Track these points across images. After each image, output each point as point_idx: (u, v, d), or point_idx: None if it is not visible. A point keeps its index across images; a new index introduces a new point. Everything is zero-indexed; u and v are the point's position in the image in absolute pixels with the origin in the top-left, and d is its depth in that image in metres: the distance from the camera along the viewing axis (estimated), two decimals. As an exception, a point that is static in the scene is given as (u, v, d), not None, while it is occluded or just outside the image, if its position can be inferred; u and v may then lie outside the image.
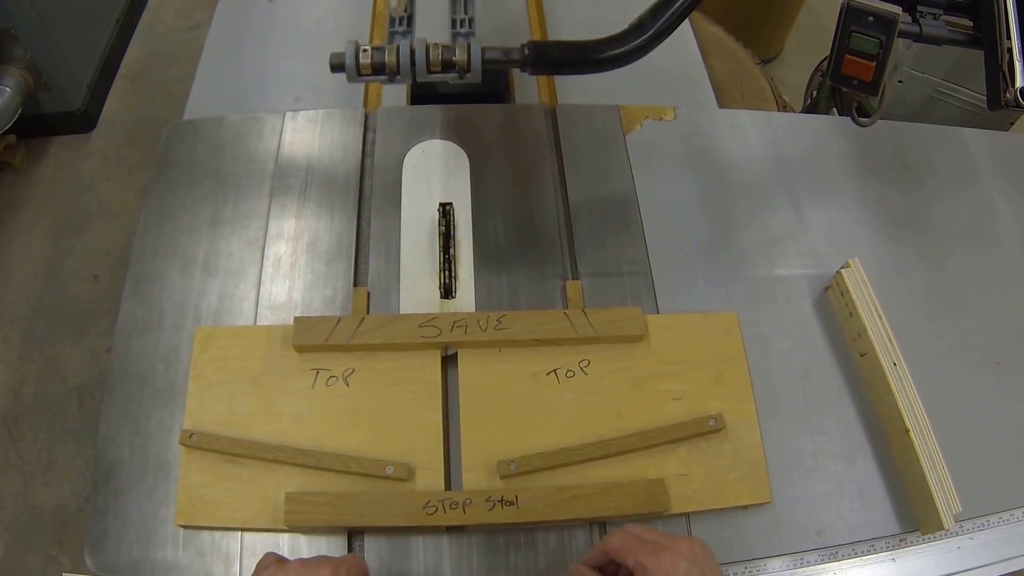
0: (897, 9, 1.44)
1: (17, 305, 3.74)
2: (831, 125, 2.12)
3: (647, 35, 1.46)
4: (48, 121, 4.30)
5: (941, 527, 1.45)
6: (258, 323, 1.64)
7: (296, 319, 1.56)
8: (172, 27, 5.10)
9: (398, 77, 1.41)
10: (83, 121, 4.39)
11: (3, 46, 3.86)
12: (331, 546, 1.42)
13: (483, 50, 1.42)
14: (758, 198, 1.94)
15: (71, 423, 3.39)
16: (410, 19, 1.48)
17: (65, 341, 3.63)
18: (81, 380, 3.51)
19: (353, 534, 1.44)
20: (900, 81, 3.45)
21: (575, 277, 1.74)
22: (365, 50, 1.39)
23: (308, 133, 1.93)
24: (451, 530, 1.44)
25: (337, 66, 1.41)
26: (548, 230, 1.81)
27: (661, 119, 2.04)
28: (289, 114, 1.97)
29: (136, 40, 4.97)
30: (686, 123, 2.06)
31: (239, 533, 1.43)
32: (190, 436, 1.45)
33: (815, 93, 3.18)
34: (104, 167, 4.29)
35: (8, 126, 3.86)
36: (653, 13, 1.47)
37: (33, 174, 4.23)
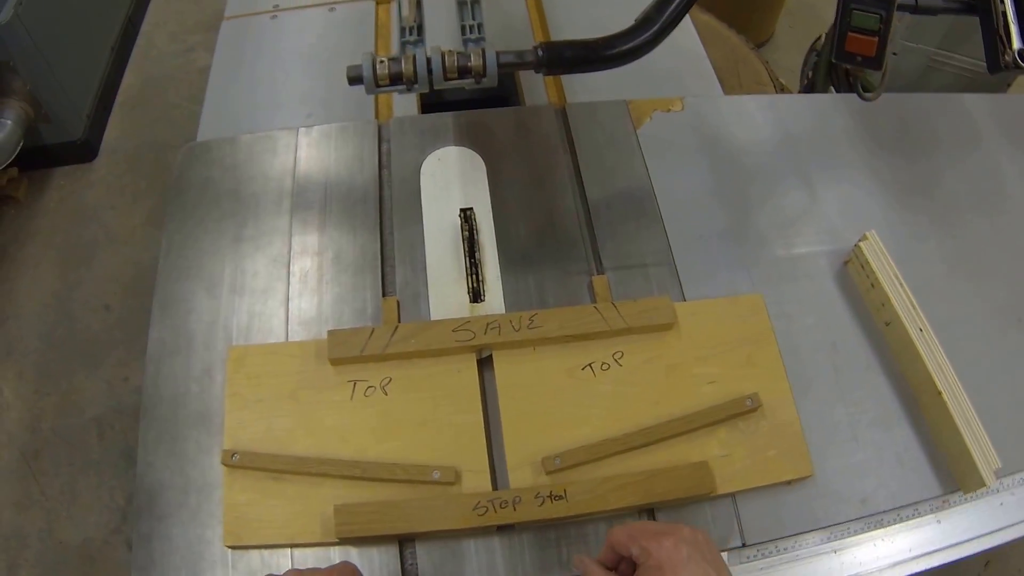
0: (894, -17, 1.46)
1: (29, 339, 3.73)
2: (834, 103, 2.14)
3: (655, 28, 1.47)
4: (50, 152, 4.30)
5: (982, 484, 1.47)
6: (290, 339, 1.64)
7: (330, 332, 1.57)
8: (166, 51, 5.10)
9: (416, 86, 1.43)
10: (84, 150, 4.39)
11: (2, 79, 3.87)
12: (382, 555, 1.43)
13: (497, 54, 1.44)
14: (771, 180, 1.96)
15: (92, 455, 3.37)
16: (420, 28, 1.49)
17: (80, 373, 3.62)
18: (99, 411, 3.49)
19: (404, 542, 1.45)
20: (895, 54, 3.47)
21: (600, 271, 1.75)
22: (382, 61, 1.40)
23: (323, 148, 1.94)
24: (501, 530, 1.45)
25: (355, 78, 1.41)
26: (569, 227, 1.83)
27: (669, 110, 2.06)
28: (303, 130, 1.98)
29: (132, 66, 4.98)
30: (694, 113, 2.07)
31: (288, 550, 1.44)
32: (232, 455, 1.45)
33: (811, 73, 3.20)
34: (108, 195, 4.28)
35: (10, 159, 3.86)
36: (658, 7, 1.49)
37: (37, 206, 4.23)
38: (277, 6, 2.49)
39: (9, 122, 3.85)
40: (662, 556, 1.10)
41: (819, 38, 3.09)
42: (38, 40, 3.85)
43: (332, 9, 2.47)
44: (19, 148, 3.90)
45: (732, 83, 2.97)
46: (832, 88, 1.90)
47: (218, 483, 1.47)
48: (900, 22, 3.35)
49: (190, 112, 4.62)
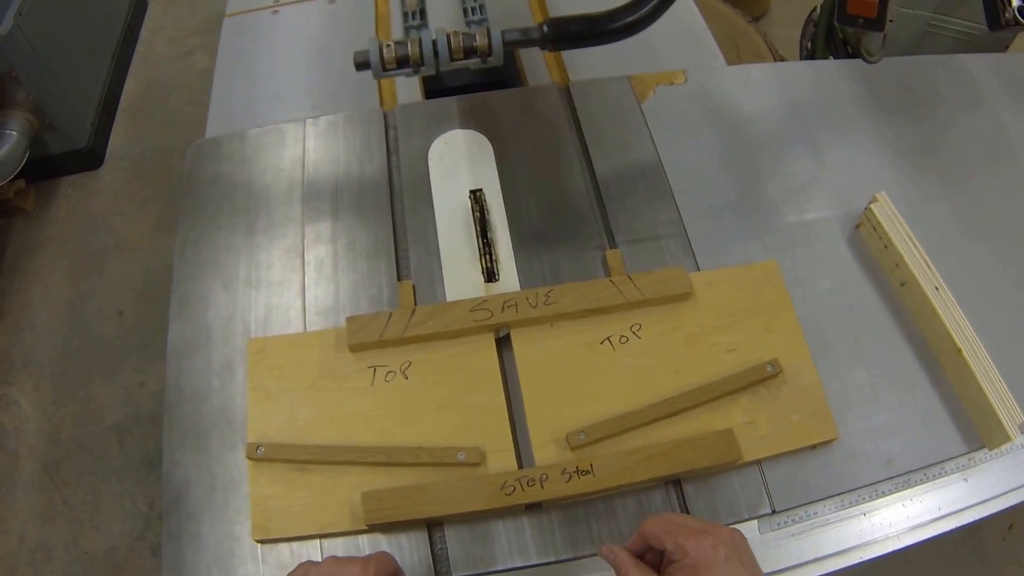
0: (892, -57, 1.47)
1: (45, 350, 3.74)
2: (837, 68, 2.15)
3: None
4: (56, 162, 4.31)
5: (1007, 439, 1.47)
6: (308, 329, 1.65)
7: (348, 319, 1.58)
8: (166, 56, 5.11)
9: (422, 68, 1.44)
10: (90, 158, 4.40)
11: (5, 90, 3.88)
12: (411, 541, 1.43)
13: (503, 32, 1.44)
14: (778, 148, 1.96)
15: (113, 462, 3.37)
16: (423, 12, 1.50)
17: (97, 381, 3.62)
18: (118, 418, 3.49)
19: (432, 527, 1.45)
20: (891, 20, 3.46)
21: (613, 246, 1.76)
22: (388, 45, 1.41)
23: (331, 137, 1.95)
24: (529, 509, 1.45)
25: (362, 64, 1.43)
26: (580, 204, 1.83)
27: (672, 84, 2.07)
28: (310, 121, 1.99)
29: (133, 73, 4.99)
30: (697, 84, 2.08)
31: (317, 540, 1.44)
32: (256, 448, 1.46)
33: (810, 44, 3.20)
34: (116, 203, 4.29)
35: (17, 170, 3.87)
36: (659, -22, 1.50)
37: (46, 216, 4.24)
38: (278, 0, 2.50)
39: (14, 133, 3.85)
40: (699, 556, 1.10)
41: (815, 9, 3.09)
42: (39, 50, 3.86)
43: (332, 1, 2.48)
44: (25, 159, 3.90)
45: (732, 57, 2.97)
46: (831, 57, 1.90)
47: (244, 478, 1.48)
48: (894, -14, 3.35)
49: (193, 116, 4.65)
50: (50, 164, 4.29)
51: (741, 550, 1.12)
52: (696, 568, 1.08)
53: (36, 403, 3.55)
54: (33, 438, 3.44)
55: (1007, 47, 3.40)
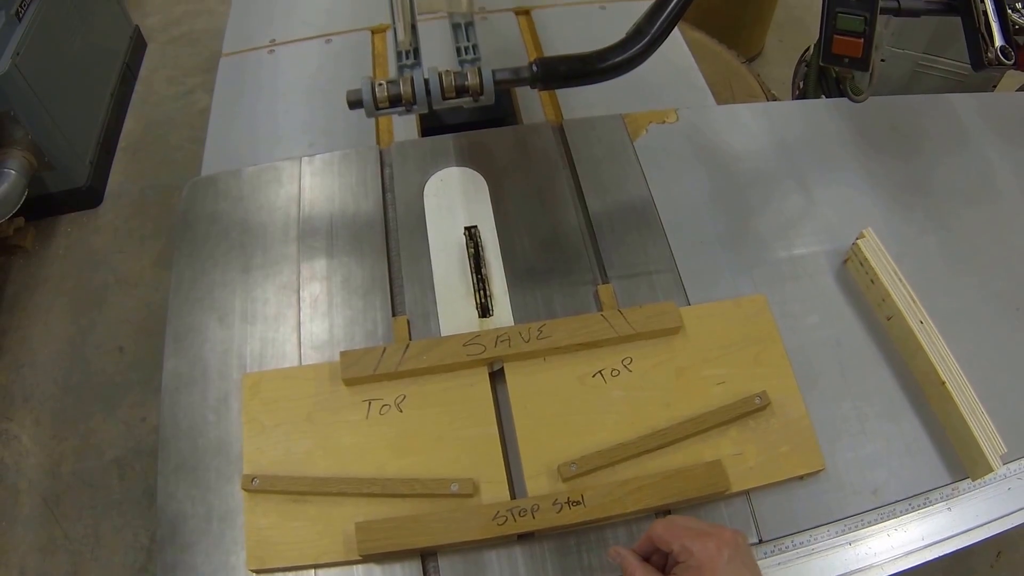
0: (876, -15, 1.50)
1: (45, 385, 3.75)
2: (825, 107, 2.18)
3: (646, 39, 1.50)
4: (55, 200, 4.34)
5: (989, 469, 1.50)
6: (303, 363, 1.67)
7: (342, 353, 1.60)
8: (165, 95, 5.15)
9: (415, 107, 1.46)
10: (89, 196, 4.43)
11: (4, 129, 3.91)
12: (405, 571, 1.45)
13: (493, 71, 1.47)
14: (768, 185, 1.99)
15: (114, 496, 3.38)
16: (416, 51, 1.52)
17: (98, 416, 3.63)
18: (119, 452, 3.50)
19: (426, 557, 1.46)
20: (883, 60, 3.50)
21: (605, 281, 1.78)
22: (380, 84, 1.43)
23: (327, 175, 1.98)
24: (522, 539, 1.47)
25: (355, 102, 1.44)
26: (573, 240, 1.86)
27: (664, 122, 2.10)
28: (306, 159, 2.01)
29: (132, 111, 5.02)
30: (689, 123, 2.11)
31: (312, 571, 1.45)
32: (252, 480, 1.48)
33: (802, 84, 3.22)
34: (115, 240, 4.32)
35: (16, 209, 3.89)
36: (649, 17, 1.52)
37: (46, 254, 4.26)
38: (274, 40, 2.53)
39: (13, 172, 3.88)
40: (703, 557, 1.12)
41: (808, 49, 3.12)
42: (38, 89, 3.90)
43: (328, 41, 2.51)
44: (24, 197, 3.92)
45: (725, 96, 3.00)
46: (823, 96, 1.93)
47: (239, 509, 1.49)
48: (886, 28, 3.38)
49: (192, 154, 4.66)
50: (49, 202, 4.32)
51: (744, 552, 1.14)
52: (701, 569, 1.11)
53: (36, 438, 3.56)
54: (33, 472, 3.45)
55: (994, 86, 3.43)
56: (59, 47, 4.24)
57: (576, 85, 1.56)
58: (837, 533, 1.51)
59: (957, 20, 1.63)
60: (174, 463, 1.56)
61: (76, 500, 3.37)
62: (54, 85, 4.09)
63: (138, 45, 5.36)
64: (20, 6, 3.87)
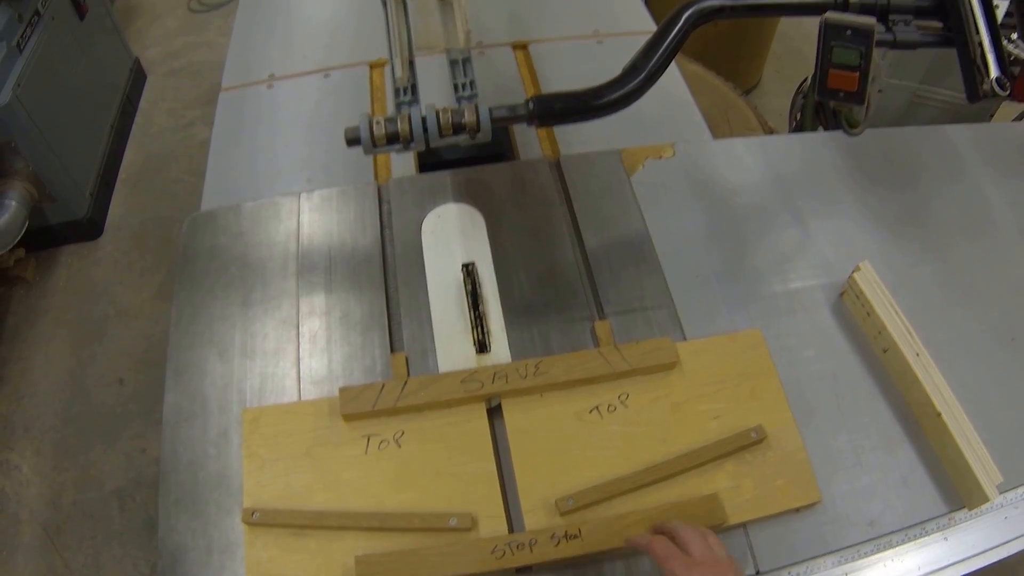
0: (872, 20, 1.51)
1: (46, 416, 3.75)
2: (821, 140, 2.19)
3: (642, 76, 1.52)
4: (55, 231, 4.36)
5: (985, 499, 1.51)
6: (303, 398, 1.67)
7: (341, 389, 1.61)
8: (165, 128, 5.17)
9: (412, 144, 1.47)
10: (89, 228, 4.44)
11: (4, 160, 3.92)
12: (404, 605, 1.45)
13: (491, 109, 1.48)
14: (764, 219, 2.01)
15: (114, 527, 3.37)
16: (414, 88, 1.53)
17: (98, 447, 3.62)
18: (119, 484, 3.49)
19: (425, 590, 1.47)
20: (880, 91, 3.51)
21: (602, 317, 1.79)
22: (378, 122, 1.44)
23: (325, 211, 1.99)
24: (520, 572, 1.47)
25: (353, 140, 1.45)
26: (569, 276, 1.87)
27: (661, 157, 2.11)
28: (304, 195, 2.02)
29: (132, 144, 5.04)
30: (685, 158, 2.13)
31: (312, 603, 1.45)
32: (252, 514, 1.49)
33: (799, 115, 3.23)
34: (116, 272, 4.33)
35: (17, 240, 3.91)
36: (645, 54, 1.53)
37: (46, 286, 4.27)
38: (273, 75, 2.54)
39: (13, 203, 3.89)
40: None
41: (804, 80, 3.13)
42: (38, 120, 3.91)
43: (327, 75, 2.53)
44: (25, 228, 3.94)
45: (722, 129, 3.01)
46: (821, 128, 1.93)
47: (240, 542, 1.50)
48: (883, 59, 3.40)
49: (192, 186, 4.67)
50: (50, 234, 4.33)
51: None
52: None
53: (37, 468, 3.55)
54: (34, 502, 3.44)
55: (991, 116, 3.44)
56: (60, 79, 4.26)
57: (572, 122, 1.57)
58: (834, 564, 1.52)
59: (953, 51, 1.64)
60: (175, 496, 1.57)
61: (77, 530, 3.36)
62: (55, 116, 4.11)
63: (138, 77, 5.39)
64: (21, 37, 3.89)
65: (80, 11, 4.54)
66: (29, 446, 3.63)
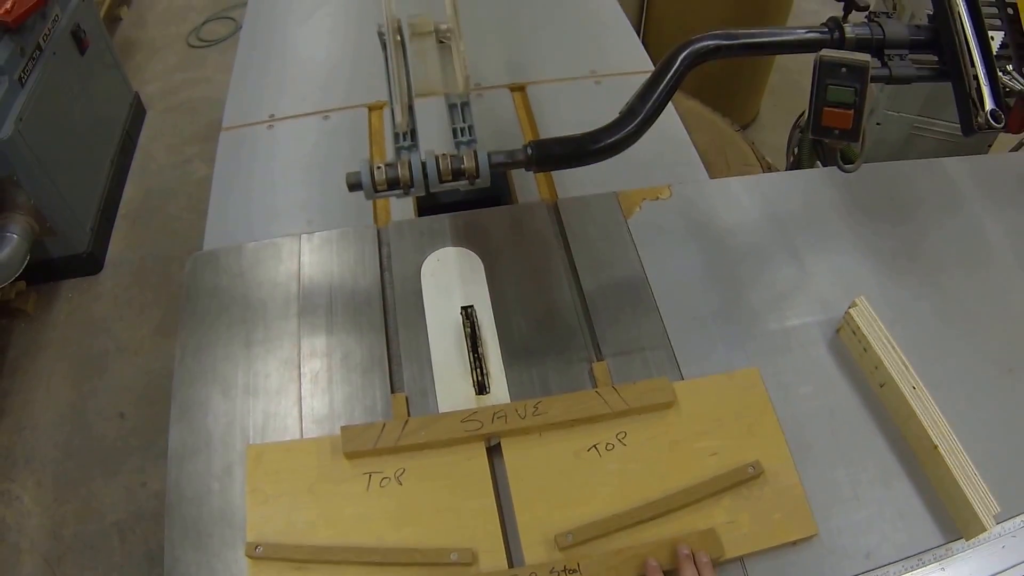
0: (867, 57, 1.52)
1: (47, 449, 3.77)
2: (818, 177, 2.22)
3: (639, 119, 1.54)
4: (56, 265, 4.39)
5: (983, 529, 1.52)
6: (305, 436, 1.69)
7: (343, 428, 1.62)
8: (164, 164, 5.20)
9: (412, 189, 1.49)
10: (90, 263, 4.47)
11: (6, 193, 3.95)
12: (405, 640, 1.46)
13: (489, 154, 1.50)
14: (761, 258, 2.03)
15: (115, 559, 3.39)
16: (414, 133, 1.54)
17: (98, 480, 3.65)
18: (120, 516, 3.52)
19: (426, 625, 1.48)
20: (878, 123, 3.53)
21: (600, 358, 1.81)
22: (379, 167, 1.46)
23: (326, 253, 2.01)
24: (519, 607, 1.48)
25: (354, 185, 1.47)
26: (567, 318, 1.89)
27: (658, 198, 2.14)
28: (305, 236, 2.04)
29: (132, 179, 5.08)
30: (682, 199, 2.15)
31: (315, 638, 1.47)
32: (255, 548, 1.50)
33: (796, 150, 3.24)
34: (116, 307, 4.35)
35: (18, 273, 3.93)
36: (641, 97, 1.55)
37: (47, 319, 4.30)
38: (273, 116, 2.57)
39: (15, 236, 3.92)
40: None
41: (802, 115, 3.15)
42: (40, 154, 3.94)
43: (326, 117, 2.55)
44: (26, 262, 3.97)
45: (720, 165, 3.03)
46: (819, 163, 1.95)
47: (243, 575, 1.51)
48: (881, 92, 3.42)
49: (191, 224, 4.72)
50: (51, 267, 4.36)
51: None
52: None
53: (38, 499, 3.58)
54: (35, 533, 3.47)
55: (989, 146, 3.46)
56: (61, 113, 4.29)
57: (570, 167, 1.59)
58: (833, 597, 1.53)
59: (948, 85, 1.66)
60: (180, 529, 1.58)
61: (77, 561, 3.39)
62: (56, 151, 4.14)
63: (138, 112, 5.43)
64: (23, 71, 3.92)
65: (81, 46, 4.57)
66: (30, 477, 3.65)
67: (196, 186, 4.96)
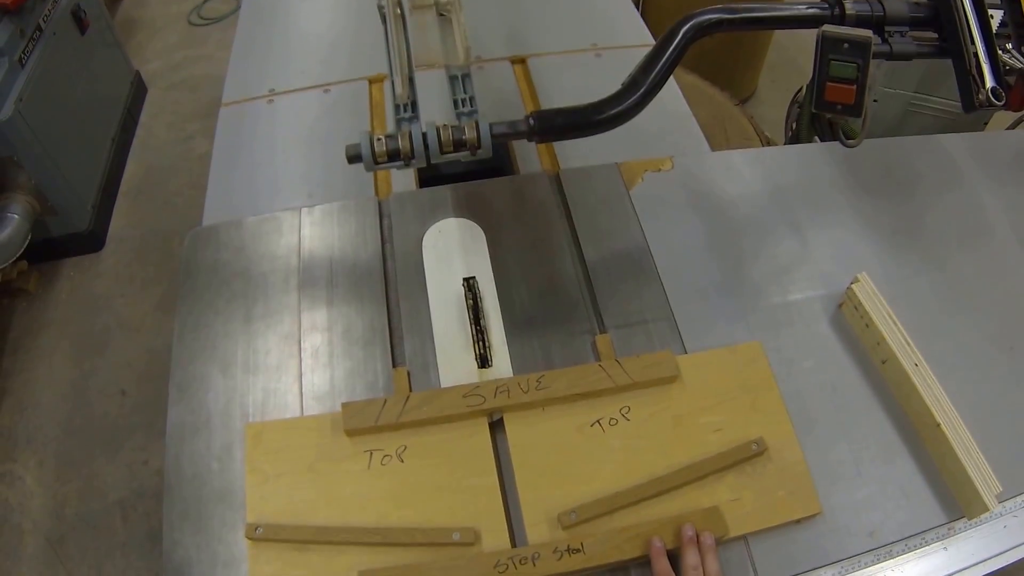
0: (868, 33, 1.51)
1: (48, 428, 3.76)
2: (819, 152, 2.20)
3: (642, 91, 1.52)
4: (57, 244, 4.38)
5: (985, 509, 1.51)
6: (305, 413, 1.68)
7: (344, 405, 1.61)
8: (165, 140, 5.19)
9: (413, 161, 1.47)
10: (91, 241, 4.47)
11: (7, 174, 3.95)
12: (409, 618, 1.45)
13: (491, 125, 1.49)
14: (762, 231, 2.02)
15: (117, 537, 3.38)
16: (414, 104, 1.53)
17: (100, 459, 3.64)
18: (122, 495, 3.51)
19: (429, 604, 1.47)
20: (875, 100, 3.52)
21: (603, 331, 1.80)
22: (379, 139, 1.45)
23: (326, 226, 1.99)
24: (523, 585, 1.47)
25: (354, 157, 1.46)
26: (570, 290, 1.87)
27: (660, 170, 2.12)
28: (305, 210, 2.02)
29: (133, 157, 5.07)
30: (684, 170, 2.14)
31: (316, 617, 1.46)
32: (255, 529, 1.49)
33: (795, 124, 3.23)
34: (117, 284, 4.35)
35: (20, 252, 3.93)
36: (644, 69, 1.54)
37: (48, 298, 4.29)
38: (273, 90, 2.56)
39: (16, 216, 3.92)
40: None
41: (800, 90, 3.14)
42: (40, 134, 3.93)
43: (327, 90, 2.54)
44: (27, 241, 3.97)
45: (719, 139, 3.02)
46: (817, 138, 1.94)
47: (243, 557, 1.50)
48: (878, 69, 3.41)
49: (192, 199, 4.71)
50: (52, 246, 4.36)
51: None
52: None
53: (40, 479, 3.57)
54: (37, 513, 3.46)
55: (985, 124, 3.45)
56: (62, 93, 4.28)
57: (572, 138, 1.57)
58: (834, 575, 1.52)
59: (948, 61, 1.65)
60: (179, 510, 1.57)
61: (79, 541, 3.38)
62: (57, 130, 4.13)
63: (139, 91, 5.42)
64: (23, 52, 3.91)
65: (81, 26, 4.56)
66: (32, 457, 3.65)
67: (197, 162, 4.95)
